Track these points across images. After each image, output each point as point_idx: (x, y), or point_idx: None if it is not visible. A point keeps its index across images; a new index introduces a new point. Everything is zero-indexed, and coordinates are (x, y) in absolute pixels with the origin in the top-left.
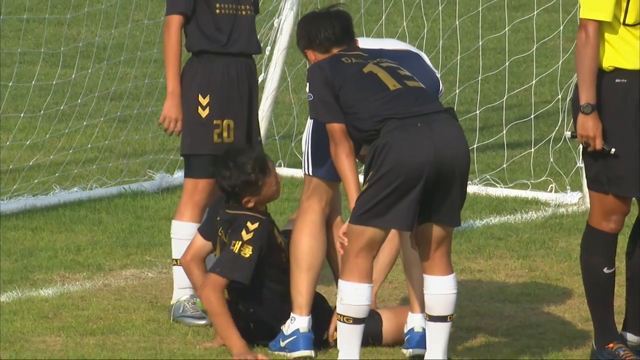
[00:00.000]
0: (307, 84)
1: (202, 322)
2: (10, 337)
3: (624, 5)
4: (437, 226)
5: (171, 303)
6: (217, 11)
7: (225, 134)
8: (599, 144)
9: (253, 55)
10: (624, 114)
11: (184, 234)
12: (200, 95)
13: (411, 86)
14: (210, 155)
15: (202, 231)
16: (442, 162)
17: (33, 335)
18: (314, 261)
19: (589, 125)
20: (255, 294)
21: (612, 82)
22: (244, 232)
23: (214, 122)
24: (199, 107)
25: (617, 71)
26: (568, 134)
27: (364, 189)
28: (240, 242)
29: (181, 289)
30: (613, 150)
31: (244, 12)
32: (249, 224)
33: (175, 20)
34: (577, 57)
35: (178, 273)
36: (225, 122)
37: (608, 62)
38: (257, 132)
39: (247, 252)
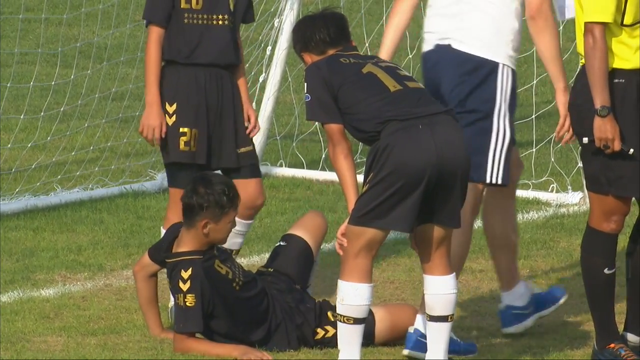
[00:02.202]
0: (305, 84)
1: None
2: (11, 337)
3: (621, 6)
4: (438, 227)
5: (169, 305)
6: (185, 21)
7: (192, 143)
8: (617, 146)
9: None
10: (622, 114)
11: None
12: (167, 103)
13: (412, 87)
14: (183, 164)
15: (150, 252)
16: (443, 163)
17: (34, 336)
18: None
19: (607, 127)
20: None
21: (611, 83)
22: (180, 284)
23: (180, 129)
24: (166, 115)
25: (615, 71)
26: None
27: (364, 191)
28: (182, 295)
29: None
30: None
31: (219, 22)
32: (182, 272)
33: (153, 30)
34: (587, 61)
35: None
36: (193, 130)
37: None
38: (238, 141)
39: (191, 300)
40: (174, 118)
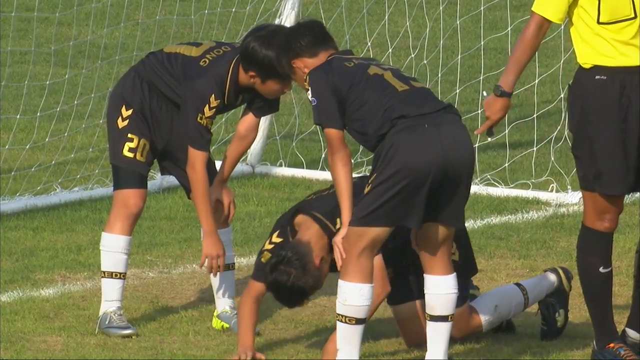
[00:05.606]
0: (309, 88)
1: (128, 331)
2: (11, 337)
3: (596, 4)
4: (441, 226)
5: (99, 315)
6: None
7: (138, 152)
8: (485, 127)
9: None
10: (604, 111)
11: (113, 246)
12: (124, 106)
13: (417, 87)
14: (128, 168)
15: (254, 277)
16: (448, 163)
17: (34, 335)
18: None
19: (492, 105)
20: None
21: (592, 79)
22: (267, 243)
23: (128, 135)
24: (120, 118)
25: (597, 68)
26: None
27: (367, 191)
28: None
29: (108, 301)
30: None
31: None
32: (274, 235)
33: (199, 155)
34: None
35: (106, 285)
36: (142, 140)
37: (586, 60)
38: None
39: (266, 257)
40: (125, 122)
